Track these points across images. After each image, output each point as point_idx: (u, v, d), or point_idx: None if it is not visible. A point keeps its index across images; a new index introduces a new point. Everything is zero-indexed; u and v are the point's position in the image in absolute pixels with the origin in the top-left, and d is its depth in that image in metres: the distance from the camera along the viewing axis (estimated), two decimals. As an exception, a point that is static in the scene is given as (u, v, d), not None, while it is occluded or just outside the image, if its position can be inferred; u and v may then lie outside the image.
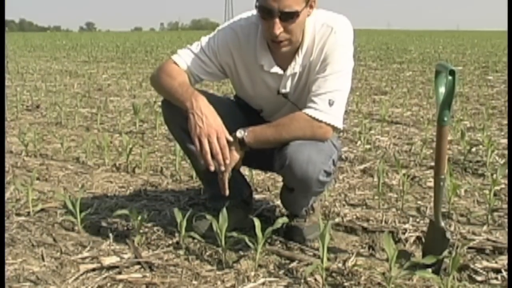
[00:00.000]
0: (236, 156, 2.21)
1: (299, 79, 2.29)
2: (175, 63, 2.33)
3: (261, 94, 2.38)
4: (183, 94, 2.18)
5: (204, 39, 2.35)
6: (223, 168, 2.13)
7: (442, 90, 2.06)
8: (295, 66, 2.25)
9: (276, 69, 2.29)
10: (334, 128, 2.19)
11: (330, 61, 2.18)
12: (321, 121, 2.14)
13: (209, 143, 2.10)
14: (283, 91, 2.33)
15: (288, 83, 2.31)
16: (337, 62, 2.18)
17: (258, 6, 2.10)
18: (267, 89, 2.35)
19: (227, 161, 2.13)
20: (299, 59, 2.24)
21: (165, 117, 2.46)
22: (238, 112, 2.47)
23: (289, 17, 2.07)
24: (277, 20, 2.07)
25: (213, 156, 2.11)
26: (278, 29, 2.09)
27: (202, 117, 2.11)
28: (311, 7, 2.13)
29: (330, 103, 2.14)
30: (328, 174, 2.19)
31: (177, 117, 2.28)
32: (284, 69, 2.28)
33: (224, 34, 2.32)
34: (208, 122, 2.11)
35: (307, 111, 2.16)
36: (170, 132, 2.55)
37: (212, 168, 2.12)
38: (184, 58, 2.33)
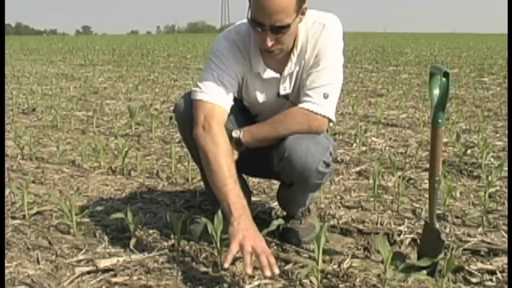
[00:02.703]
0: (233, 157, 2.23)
1: (296, 78, 2.32)
2: (208, 103, 2.22)
3: (262, 99, 2.39)
4: (234, 197, 2.09)
5: (213, 64, 2.28)
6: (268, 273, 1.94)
7: (436, 92, 2.06)
8: (292, 66, 2.28)
9: (273, 74, 2.30)
10: (329, 121, 2.23)
11: (323, 56, 2.21)
12: (317, 114, 2.17)
13: (252, 247, 1.97)
14: (282, 93, 2.35)
15: (287, 84, 2.33)
16: (330, 57, 2.22)
17: (250, 19, 2.11)
18: (267, 94, 2.37)
19: (267, 273, 1.92)
20: (294, 58, 2.26)
21: (179, 120, 2.43)
22: (240, 115, 2.47)
23: (280, 30, 2.09)
24: (269, 33, 2.09)
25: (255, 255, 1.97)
26: (270, 41, 2.11)
27: (247, 227, 2.03)
28: (303, 13, 2.14)
29: (325, 96, 2.17)
30: (327, 165, 2.21)
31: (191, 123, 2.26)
32: (281, 72, 2.30)
33: (231, 52, 2.29)
34: (251, 233, 2.02)
35: (303, 105, 2.19)
36: (180, 134, 2.54)
37: (227, 265, 1.96)
38: (215, 94, 2.24)
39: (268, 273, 1.90)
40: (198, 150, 2.26)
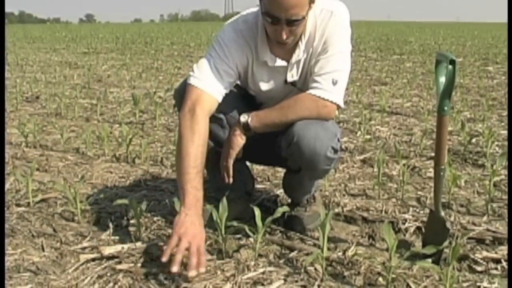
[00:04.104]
0: (240, 141, 2.23)
1: (303, 65, 2.31)
2: (202, 91, 2.20)
3: (269, 87, 2.38)
4: (192, 188, 2.08)
5: (213, 52, 2.27)
6: (174, 269, 1.91)
7: (442, 79, 2.05)
8: (299, 53, 2.26)
9: (280, 62, 2.29)
10: (338, 107, 2.22)
11: (331, 43, 2.20)
12: (326, 100, 2.17)
13: (188, 243, 1.97)
14: (290, 80, 2.34)
15: (294, 71, 2.32)
16: (338, 44, 2.21)
17: (265, 13, 2.09)
18: (274, 81, 2.36)
19: (191, 273, 1.93)
20: (302, 45, 2.25)
21: (178, 104, 2.41)
22: (244, 102, 2.46)
23: (295, 23, 2.08)
24: (284, 26, 2.08)
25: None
26: (285, 34, 2.11)
27: (193, 221, 2.03)
28: (313, 1, 2.12)
29: (334, 82, 2.16)
30: (335, 151, 2.20)
31: None
32: (288, 60, 2.29)
33: (235, 42, 2.28)
34: (196, 229, 2.02)
35: (312, 91, 2.18)
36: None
37: (164, 259, 1.95)
38: (208, 81, 2.23)
39: (192, 273, 1.92)
40: None
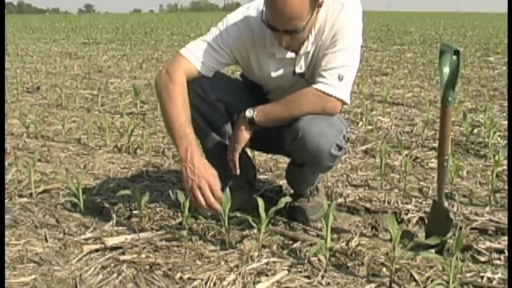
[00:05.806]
0: (246, 136, 2.23)
1: (312, 57, 2.29)
2: (184, 58, 2.28)
3: (277, 78, 2.36)
4: (181, 139, 2.15)
5: (215, 31, 2.30)
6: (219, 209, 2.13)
7: (446, 70, 2.05)
8: (308, 45, 2.24)
9: (288, 54, 2.28)
10: (343, 103, 2.20)
11: (340, 37, 2.16)
12: (331, 96, 2.14)
13: (202, 194, 2.08)
14: (298, 71, 2.32)
15: (302, 63, 2.30)
16: (347, 38, 2.17)
17: (264, 19, 2.10)
18: (282, 73, 2.34)
19: (220, 208, 2.13)
20: (311, 38, 2.22)
21: None
22: (247, 92, 2.46)
23: (294, 32, 2.08)
24: (283, 36, 2.09)
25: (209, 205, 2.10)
26: (285, 42, 2.12)
27: (194, 169, 2.09)
28: (320, 6, 2.10)
29: (340, 78, 2.14)
30: (339, 148, 2.20)
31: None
32: (296, 51, 2.27)
33: (237, 26, 2.27)
34: (200, 173, 2.09)
35: (317, 86, 2.16)
36: None
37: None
38: (194, 52, 2.28)
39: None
40: (196, 123, 2.34)
